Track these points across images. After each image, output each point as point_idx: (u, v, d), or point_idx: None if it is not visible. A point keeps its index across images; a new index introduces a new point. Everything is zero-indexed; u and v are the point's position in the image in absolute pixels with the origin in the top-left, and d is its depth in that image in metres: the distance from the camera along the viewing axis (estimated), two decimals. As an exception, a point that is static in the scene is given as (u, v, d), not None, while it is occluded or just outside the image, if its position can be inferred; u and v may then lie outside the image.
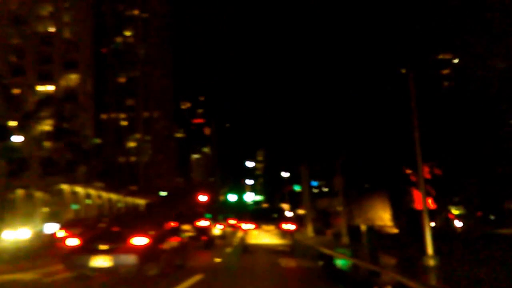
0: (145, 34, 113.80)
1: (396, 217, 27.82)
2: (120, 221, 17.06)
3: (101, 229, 17.32)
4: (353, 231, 24.38)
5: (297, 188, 49.82)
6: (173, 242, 15.46)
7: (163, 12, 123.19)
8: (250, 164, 62.32)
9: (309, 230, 34.10)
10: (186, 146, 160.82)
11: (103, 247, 12.78)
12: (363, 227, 23.67)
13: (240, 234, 28.09)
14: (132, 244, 12.79)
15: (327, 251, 18.86)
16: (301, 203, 56.94)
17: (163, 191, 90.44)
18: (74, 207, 60.80)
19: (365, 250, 18.99)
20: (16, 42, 67.23)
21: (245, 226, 21.03)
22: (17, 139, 45.77)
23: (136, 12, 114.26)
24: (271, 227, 19.69)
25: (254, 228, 20.12)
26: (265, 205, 67.24)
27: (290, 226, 19.95)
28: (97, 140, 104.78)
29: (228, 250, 22.76)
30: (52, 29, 71.02)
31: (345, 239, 23.09)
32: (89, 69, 74.84)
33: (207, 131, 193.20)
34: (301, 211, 54.62)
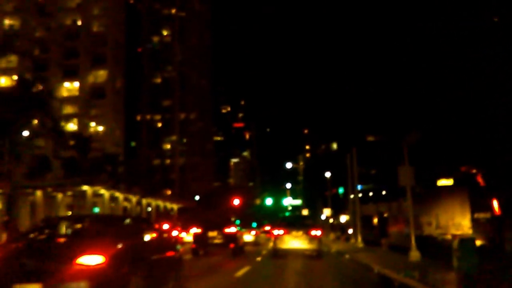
0: (183, 33, 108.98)
1: (477, 225, 20.29)
2: (84, 227, 10.11)
3: (37, 240, 10.40)
4: (422, 243, 17.15)
5: (341, 190, 42.82)
6: (157, 259, 9.78)
7: (201, 12, 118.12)
8: (288, 165, 55.49)
9: (358, 240, 26.83)
10: (225, 149, 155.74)
11: (31, 268, 7.40)
12: (443, 237, 16.50)
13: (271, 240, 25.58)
14: (80, 266, 7.53)
15: (394, 275, 11.94)
16: (344, 208, 49.74)
17: (198, 195, 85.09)
18: (96, 210, 55.41)
19: (456, 276, 11.82)
20: (40, 35, 62.88)
21: (276, 232, 21.21)
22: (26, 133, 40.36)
23: (173, 10, 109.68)
24: (299, 233, 20.26)
25: (284, 234, 20.52)
26: (304, 211, 60.09)
27: (317, 232, 20.48)
28: (132, 143, 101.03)
29: (258, 259, 20.40)
30: (79, 22, 66.41)
31: (415, 255, 15.87)
32: (119, 66, 69.81)
33: (247, 135, 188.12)
34: (345, 217, 47.46)
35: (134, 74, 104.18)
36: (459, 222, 20.00)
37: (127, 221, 10.41)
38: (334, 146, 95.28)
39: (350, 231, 36.72)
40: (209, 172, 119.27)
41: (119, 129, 70.51)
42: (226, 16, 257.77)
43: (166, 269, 10.16)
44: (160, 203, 79.51)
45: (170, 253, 10.80)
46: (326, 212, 45.45)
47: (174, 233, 35.58)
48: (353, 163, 27.40)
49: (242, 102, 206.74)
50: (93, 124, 67.17)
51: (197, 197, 77.60)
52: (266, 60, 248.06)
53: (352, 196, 31.23)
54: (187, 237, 35.40)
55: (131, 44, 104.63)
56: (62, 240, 9.37)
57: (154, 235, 11.04)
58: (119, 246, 8.29)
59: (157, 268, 9.56)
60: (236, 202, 53.26)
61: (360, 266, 16.38)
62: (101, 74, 67.45)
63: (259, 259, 19.84)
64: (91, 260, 7.44)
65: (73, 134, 57.29)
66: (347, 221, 47.13)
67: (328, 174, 41.75)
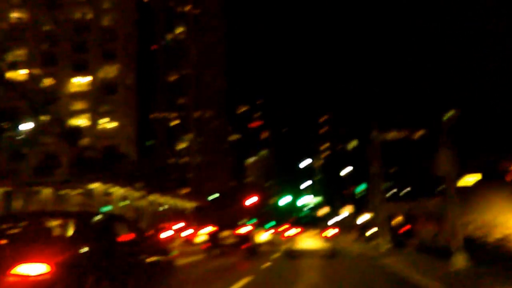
0: (197, 31, 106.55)
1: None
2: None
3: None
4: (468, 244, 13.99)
5: (361, 187, 39.70)
6: (134, 264, 7.70)
7: (216, 9, 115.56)
8: (306, 162, 52.46)
9: (385, 241, 23.63)
10: (242, 149, 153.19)
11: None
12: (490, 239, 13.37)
13: (281, 240, 25.77)
14: (16, 277, 5.66)
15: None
16: (365, 207, 46.55)
17: (214, 194, 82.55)
18: (106, 209, 53.02)
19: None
20: (49, 28, 60.81)
21: (290, 232, 21.25)
22: (26, 127, 38.09)
23: (187, 8, 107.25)
24: (313, 233, 19.85)
25: (298, 234, 20.24)
26: (325, 209, 56.77)
27: (332, 232, 20.34)
28: (150, 142, 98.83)
29: (267, 264, 17.43)
30: (89, 16, 64.22)
31: (460, 260, 12.69)
32: (130, 61, 67.45)
33: (263, 135, 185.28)
34: (366, 216, 44.23)
35: (148, 71, 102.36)
36: (505, 221, 16.80)
37: (97, 218, 7.90)
38: (354, 143, 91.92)
39: (372, 230, 33.67)
40: (226, 172, 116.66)
41: (131, 126, 68.07)
42: (241, 13, 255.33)
43: (144, 277, 7.91)
44: (174, 202, 77.12)
45: (155, 257, 8.55)
46: (348, 210, 42.14)
47: (189, 231, 33.42)
48: (376, 153, 24.27)
49: (258, 102, 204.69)
50: (104, 120, 64.94)
51: (212, 196, 75.18)
52: (282, 58, 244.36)
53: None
54: (200, 236, 34.12)
55: (145, 42, 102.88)
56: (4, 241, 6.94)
57: (134, 236, 8.47)
58: (72, 250, 6.27)
59: (131, 276, 7.36)
60: (251, 201, 50.41)
61: (390, 275, 13.24)
62: (112, 70, 65.17)
63: (268, 264, 17.23)
64: (32, 269, 5.69)
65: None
66: (367, 220, 44.07)
67: (348, 169, 38.64)
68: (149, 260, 8.22)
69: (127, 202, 58.45)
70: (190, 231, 33.30)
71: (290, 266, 16.16)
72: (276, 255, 21.63)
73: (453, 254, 12.75)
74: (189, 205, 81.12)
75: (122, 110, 64.46)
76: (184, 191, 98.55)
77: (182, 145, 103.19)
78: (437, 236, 19.38)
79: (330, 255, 18.89)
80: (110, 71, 65.12)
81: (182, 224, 36.84)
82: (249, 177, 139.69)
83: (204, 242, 22.97)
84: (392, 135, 25.85)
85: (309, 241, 19.53)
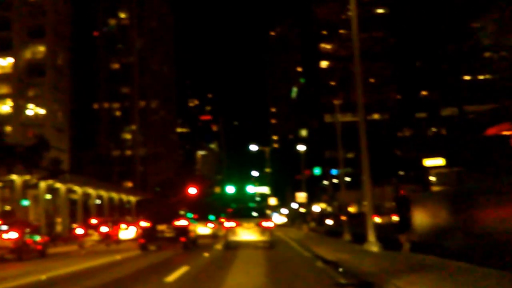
0: (142, 16, 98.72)
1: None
2: None
3: None
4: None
5: (318, 171, 34.53)
6: None
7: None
8: (254, 147, 46.74)
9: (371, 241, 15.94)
10: (191, 142, 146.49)
11: None
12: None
13: (223, 232, 23.93)
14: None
15: None
16: (319, 195, 41.30)
17: (159, 187, 75.92)
18: (25, 203, 45.43)
19: None
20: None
21: (227, 224, 20.20)
22: None
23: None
24: (251, 225, 19.35)
25: (236, 226, 19.54)
26: (272, 199, 51.24)
27: (269, 224, 19.74)
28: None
29: (206, 254, 17.57)
30: (11, -11, 55.93)
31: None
32: (61, 40, 59.49)
33: (214, 127, 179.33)
34: (321, 206, 39.04)
35: (88, 57, 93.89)
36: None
37: None
38: (304, 133, 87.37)
39: (329, 222, 28.37)
40: (175, 165, 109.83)
41: (62, 113, 60.20)
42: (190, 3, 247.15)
43: None
44: (118, 195, 69.85)
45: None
46: (301, 197, 36.47)
47: (104, 229, 27.71)
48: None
49: (210, 95, 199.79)
50: (30, 106, 56.88)
51: (157, 189, 68.49)
52: (232, 51, 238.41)
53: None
54: (124, 232, 29.35)
55: (85, 26, 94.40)
56: None
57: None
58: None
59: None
60: (192, 191, 44.23)
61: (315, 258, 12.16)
62: (40, 49, 57.17)
63: (207, 254, 17.52)
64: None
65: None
66: (322, 210, 38.74)
67: (302, 148, 33.06)
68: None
69: (49, 196, 50.83)
70: (104, 229, 27.40)
71: (228, 256, 15.73)
72: (217, 246, 21.62)
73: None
74: (133, 198, 74.21)
75: (51, 95, 56.59)
76: (129, 184, 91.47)
77: (126, 136, 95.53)
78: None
79: (269, 246, 18.90)
80: (37, 51, 57.10)
81: (95, 221, 31.08)
82: (199, 170, 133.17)
83: (139, 237, 21.61)
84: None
85: (248, 233, 19.33)
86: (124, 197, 72.10)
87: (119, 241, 28.16)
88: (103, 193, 63.57)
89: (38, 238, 20.33)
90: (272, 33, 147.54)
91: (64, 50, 60.95)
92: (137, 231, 26.70)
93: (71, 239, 34.12)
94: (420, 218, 12.66)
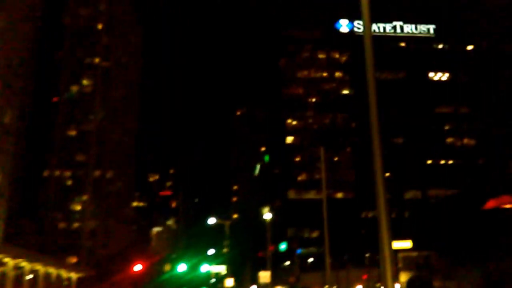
0: (106, 84, 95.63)
1: None
2: None
3: None
4: None
5: (284, 247, 30.17)
6: None
7: (130, 63, 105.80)
8: (211, 221, 42.04)
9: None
10: (148, 217, 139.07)
11: None
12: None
13: None
14: None
15: None
16: (284, 276, 36.55)
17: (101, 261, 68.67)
18: None
19: None
20: None
21: None
22: None
23: (97, 60, 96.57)
24: None
25: None
26: (229, 280, 45.71)
27: None
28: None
29: None
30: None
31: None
32: (12, 95, 55.06)
33: (173, 204, 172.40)
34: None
35: (43, 121, 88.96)
36: None
37: None
38: (265, 210, 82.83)
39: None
40: (126, 240, 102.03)
41: (5, 176, 54.31)
42: (156, 72, 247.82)
43: None
44: (53, 271, 62.09)
45: None
46: (264, 276, 30.85)
47: None
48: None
49: (172, 171, 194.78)
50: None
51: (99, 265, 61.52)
52: (197, 129, 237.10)
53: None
54: None
55: (45, 93, 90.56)
56: None
57: None
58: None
59: None
60: (137, 268, 38.58)
61: None
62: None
63: None
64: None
65: None
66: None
67: (268, 216, 28.73)
68: None
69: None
70: None
71: None
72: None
73: None
74: (74, 275, 66.32)
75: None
76: (73, 259, 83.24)
77: (76, 207, 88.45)
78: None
79: None
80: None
81: None
82: (152, 246, 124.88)
83: None
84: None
85: None
86: (64, 273, 64.29)
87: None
88: (40, 267, 56.09)
89: None
90: (238, 113, 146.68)
91: (13, 108, 56.31)
92: None
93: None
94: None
